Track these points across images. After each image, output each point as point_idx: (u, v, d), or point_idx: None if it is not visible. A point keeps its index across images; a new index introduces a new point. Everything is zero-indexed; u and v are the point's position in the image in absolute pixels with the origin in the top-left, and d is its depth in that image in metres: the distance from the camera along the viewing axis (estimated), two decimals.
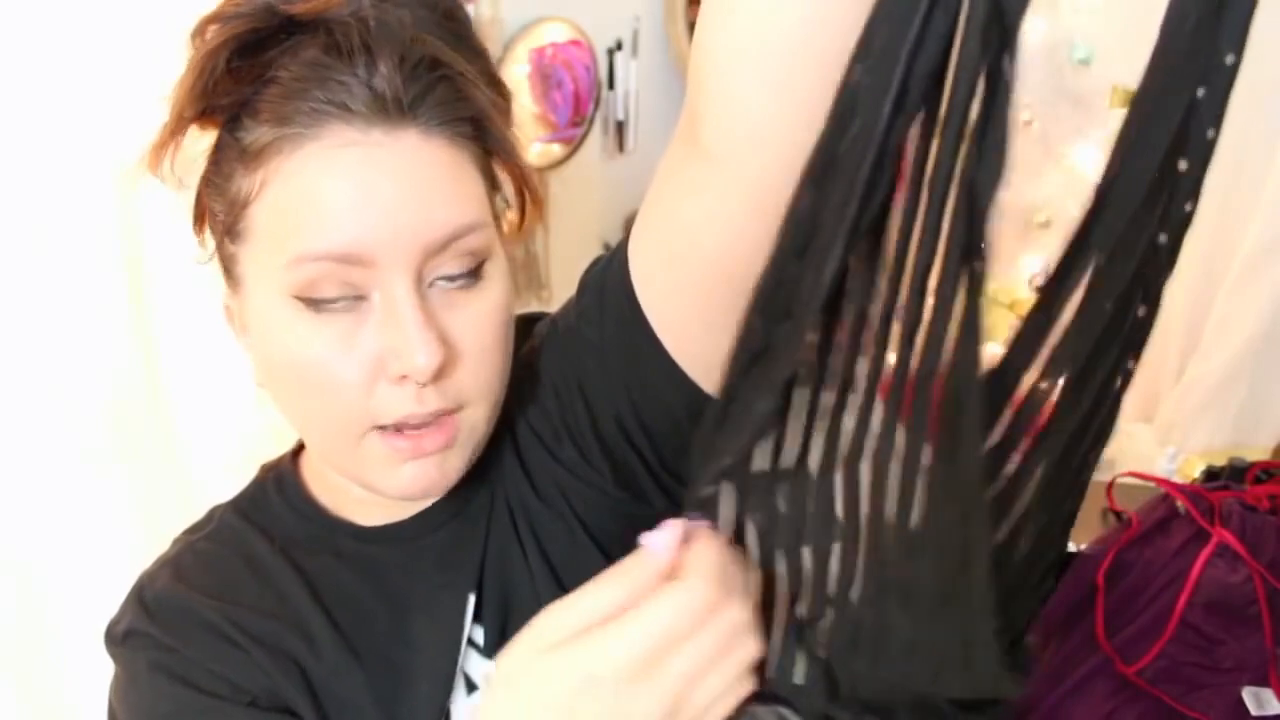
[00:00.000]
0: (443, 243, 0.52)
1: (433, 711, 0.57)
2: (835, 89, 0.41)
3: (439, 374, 0.52)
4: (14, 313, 0.94)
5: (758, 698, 0.43)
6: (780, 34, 0.41)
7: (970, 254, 0.33)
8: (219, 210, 0.54)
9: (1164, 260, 0.36)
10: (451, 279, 0.53)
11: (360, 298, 0.52)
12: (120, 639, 0.61)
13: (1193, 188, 0.34)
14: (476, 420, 0.56)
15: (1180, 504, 1.19)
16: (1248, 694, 1.12)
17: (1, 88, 0.89)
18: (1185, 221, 0.35)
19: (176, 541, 0.66)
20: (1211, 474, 1.28)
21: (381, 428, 0.54)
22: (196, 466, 1.08)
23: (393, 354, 0.51)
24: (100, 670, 0.62)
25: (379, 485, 0.56)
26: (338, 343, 0.52)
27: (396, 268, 0.51)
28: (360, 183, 0.50)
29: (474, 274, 0.54)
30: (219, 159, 0.54)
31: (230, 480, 0.69)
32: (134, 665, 0.60)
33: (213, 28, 0.51)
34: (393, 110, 0.50)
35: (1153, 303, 0.37)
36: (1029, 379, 0.39)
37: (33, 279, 0.94)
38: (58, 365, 0.97)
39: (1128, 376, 0.39)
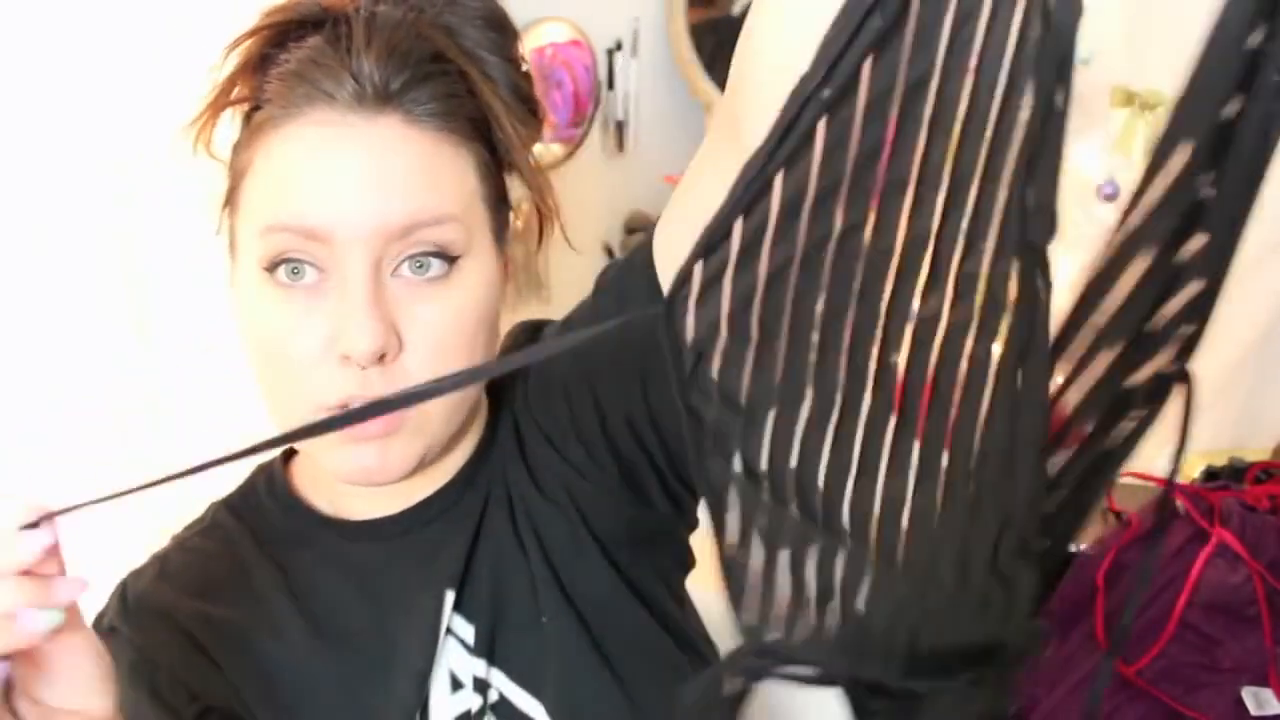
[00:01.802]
0: (402, 229, 0.51)
1: (407, 707, 0.58)
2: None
3: (383, 360, 0.52)
4: (14, 313, 0.94)
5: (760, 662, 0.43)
6: None
7: (1031, 275, 0.32)
8: (227, 184, 0.56)
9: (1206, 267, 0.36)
10: (416, 269, 0.53)
11: (323, 276, 0.52)
12: (105, 632, 0.62)
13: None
14: (428, 417, 0.55)
15: (1180, 504, 1.19)
16: (1248, 694, 1.12)
17: (2, 87, 0.89)
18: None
19: (174, 538, 0.66)
20: (1211, 474, 1.28)
21: (326, 408, 0.53)
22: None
23: (339, 334, 0.51)
24: None
25: (325, 465, 0.56)
26: (295, 317, 0.52)
27: (354, 247, 0.51)
28: (327, 159, 0.51)
29: (442, 267, 0.53)
30: (238, 140, 0.56)
31: (229, 480, 0.69)
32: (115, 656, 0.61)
33: (263, 19, 0.54)
34: (372, 98, 0.51)
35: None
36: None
37: (33, 279, 0.94)
38: (58, 365, 0.97)
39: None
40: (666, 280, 0.53)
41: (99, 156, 0.95)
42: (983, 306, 0.34)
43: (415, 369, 0.53)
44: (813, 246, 0.33)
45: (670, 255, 0.54)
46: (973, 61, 0.30)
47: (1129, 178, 1.41)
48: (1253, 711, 1.11)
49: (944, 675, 0.42)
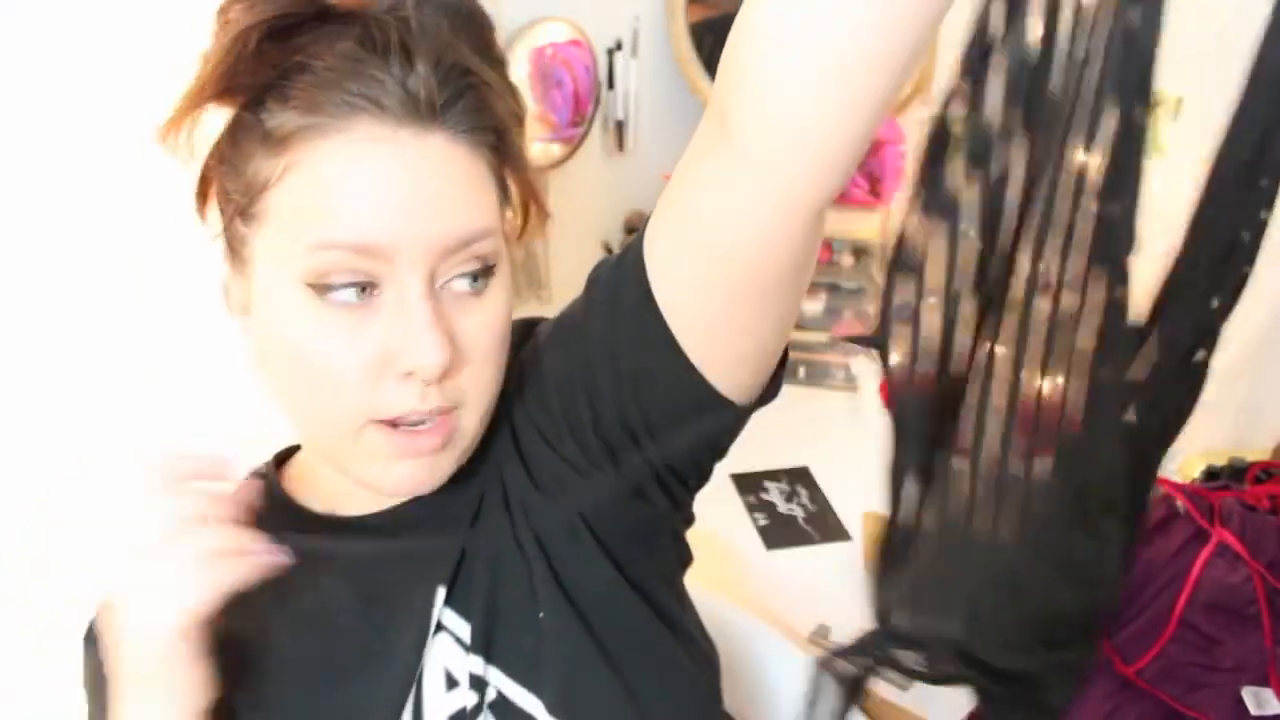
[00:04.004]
0: (458, 245, 0.52)
1: (394, 702, 0.58)
2: (887, 95, 0.41)
3: (444, 374, 0.53)
4: (12, 313, 0.94)
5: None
6: (846, 37, 0.40)
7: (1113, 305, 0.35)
8: (233, 190, 0.54)
9: (1245, 256, 0.40)
10: (461, 282, 0.54)
11: (373, 292, 0.52)
12: (95, 640, 0.62)
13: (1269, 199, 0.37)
14: (469, 423, 0.57)
15: (1180, 504, 1.19)
16: (1248, 694, 1.12)
17: (6, 73, 0.89)
18: (1262, 228, 0.39)
19: None
20: (1211, 474, 1.28)
21: (379, 421, 0.54)
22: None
23: (400, 350, 0.52)
24: None
25: (370, 479, 0.56)
26: (345, 333, 0.52)
27: (412, 265, 0.51)
28: (386, 178, 0.50)
29: (483, 279, 0.55)
30: (238, 139, 0.54)
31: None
32: (97, 671, 0.61)
33: (238, 7, 0.52)
34: (424, 112, 0.51)
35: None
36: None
37: (31, 278, 0.94)
38: (56, 365, 0.97)
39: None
40: (659, 283, 0.54)
41: (99, 153, 0.95)
42: (1075, 308, 0.36)
43: (466, 380, 0.55)
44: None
45: (660, 254, 0.53)
46: (1067, 73, 0.32)
47: None
48: (1253, 711, 1.11)
49: (1055, 649, 0.44)
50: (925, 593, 0.43)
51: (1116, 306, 0.35)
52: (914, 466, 0.41)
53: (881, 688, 1.06)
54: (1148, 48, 0.30)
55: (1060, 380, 0.37)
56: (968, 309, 0.38)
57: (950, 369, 0.39)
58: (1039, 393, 0.38)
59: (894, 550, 0.43)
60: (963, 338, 0.39)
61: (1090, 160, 0.33)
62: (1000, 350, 0.38)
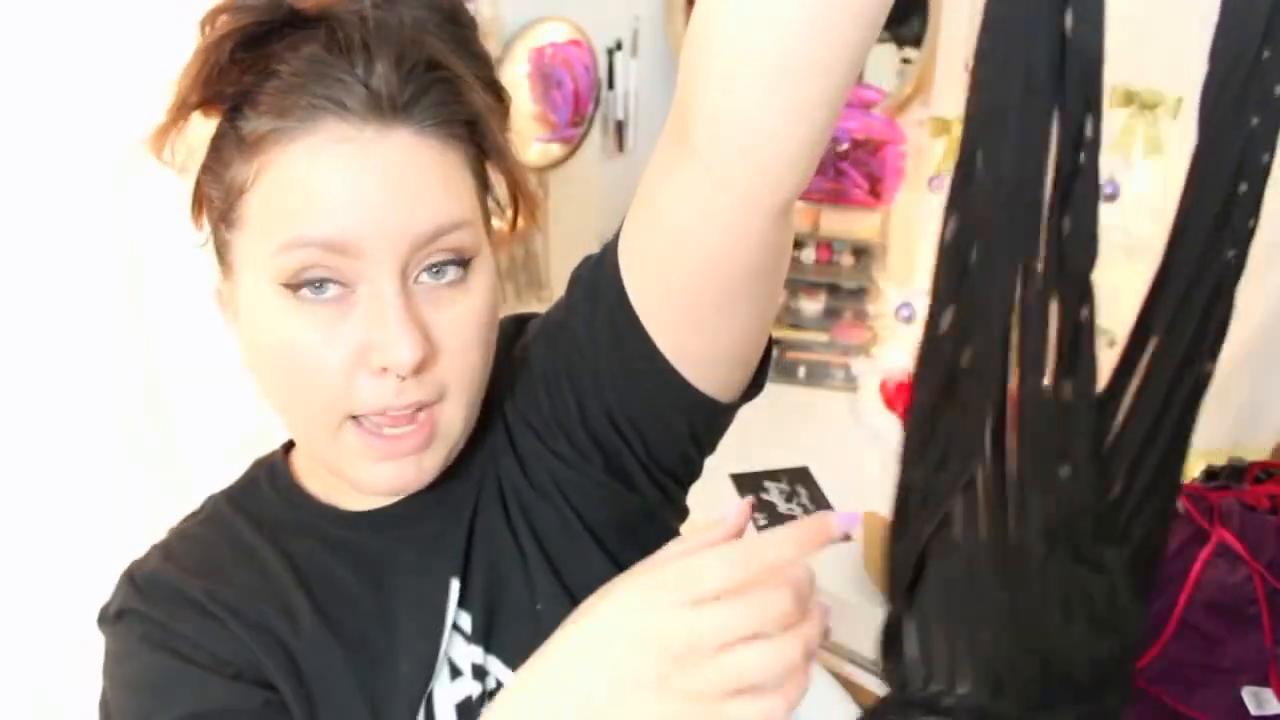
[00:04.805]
0: (428, 238, 0.52)
1: (413, 694, 0.58)
2: (831, 98, 0.41)
3: (419, 368, 0.53)
4: (12, 313, 0.94)
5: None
6: (781, 40, 0.41)
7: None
8: (215, 197, 0.55)
9: (1235, 272, 0.38)
10: (436, 275, 0.54)
11: (346, 289, 0.53)
12: (113, 618, 0.61)
13: (1253, 205, 0.35)
14: (453, 416, 0.57)
15: (1180, 504, 1.19)
16: (1248, 694, 1.11)
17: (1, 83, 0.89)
18: (1249, 236, 0.37)
19: (172, 529, 0.67)
20: (1211, 474, 1.28)
21: (356, 419, 0.54)
22: (196, 466, 1.08)
23: (375, 346, 0.52)
24: (96, 670, 0.62)
25: (356, 478, 0.57)
26: (321, 331, 0.52)
27: (382, 260, 0.52)
28: (351, 176, 0.51)
29: (458, 271, 0.55)
30: (219, 146, 0.55)
31: (228, 479, 0.69)
32: (124, 640, 0.60)
33: (222, 18, 0.52)
34: (387, 109, 0.51)
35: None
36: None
37: (31, 278, 0.94)
38: (57, 366, 0.97)
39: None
40: (632, 284, 0.54)
41: (98, 154, 0.95)
42: (1036, 334, 0.35)
43: (445, 372, 0.55)
44: None
45: (632, 257, 0.54)
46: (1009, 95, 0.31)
47: (1129, 177, 1.41)
48: (1253, 711, 1.11)
49: (1082, 701, 0.41)
50: (940, 653, 0.40)
51: (1080, 326, 0.34)
52: (917, 494, 0.39)
53: (877, 686, 1.06)
54: (1089, 50, 0.29)
55: (1036, 411, 0.36)
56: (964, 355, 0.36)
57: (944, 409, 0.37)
58: (1018, 434, 0.36)
59: (899, 598, 0.41)
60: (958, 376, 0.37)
61: (1036, 181, 0.32)
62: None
